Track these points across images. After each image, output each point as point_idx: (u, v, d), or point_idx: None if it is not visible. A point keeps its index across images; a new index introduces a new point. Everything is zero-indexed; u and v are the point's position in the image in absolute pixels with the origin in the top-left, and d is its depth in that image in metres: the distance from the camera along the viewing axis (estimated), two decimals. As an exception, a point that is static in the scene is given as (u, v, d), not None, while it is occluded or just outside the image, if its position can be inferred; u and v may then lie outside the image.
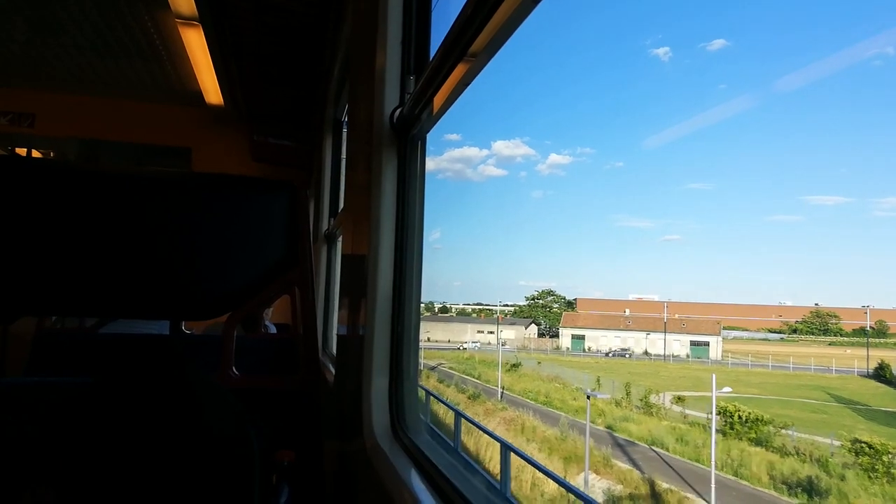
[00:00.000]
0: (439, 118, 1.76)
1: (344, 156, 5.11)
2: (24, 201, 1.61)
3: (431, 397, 20.26)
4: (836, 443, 24.32)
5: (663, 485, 21.11)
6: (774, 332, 71.56)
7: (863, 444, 21.86)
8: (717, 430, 23.52)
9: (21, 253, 1.59)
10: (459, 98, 1.60)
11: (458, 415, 15.00)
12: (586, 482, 20.26)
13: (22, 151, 6.53)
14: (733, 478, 22.30)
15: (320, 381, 2.08)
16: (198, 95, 5.57)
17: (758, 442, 25.50)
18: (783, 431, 26.21)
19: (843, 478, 21.08)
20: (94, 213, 1.66)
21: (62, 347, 2.74)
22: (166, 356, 1.42)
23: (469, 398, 34.03)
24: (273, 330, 3.95)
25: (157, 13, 4.23)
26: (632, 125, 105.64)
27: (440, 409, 21.00)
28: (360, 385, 1.92)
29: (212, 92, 5.42)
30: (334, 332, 4.64)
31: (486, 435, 17.81)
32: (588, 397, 24.40)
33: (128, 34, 4.58)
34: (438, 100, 1.64)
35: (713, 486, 20.23)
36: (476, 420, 23.32)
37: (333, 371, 3.06)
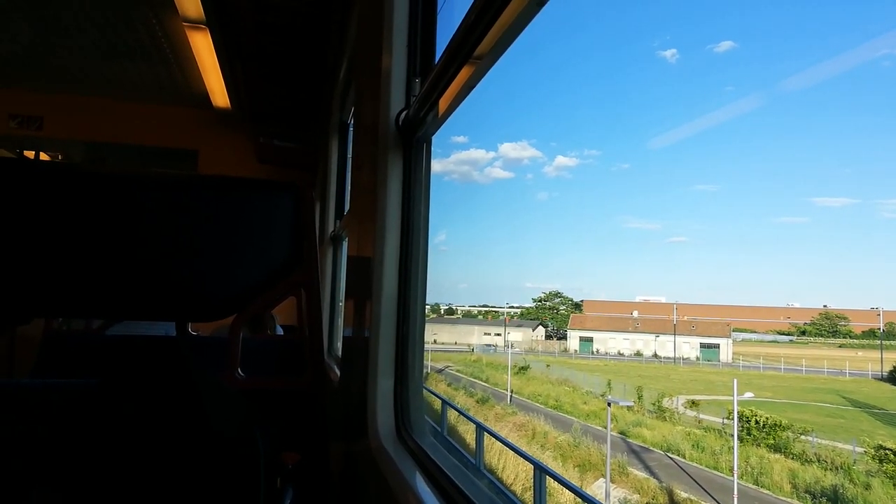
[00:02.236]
0: (445, 120, 1.76)
1: (349, 158, 5.12)
2: (32, 204, 1.62)
3: (449, 407, 19.65)
4: (859, 449, 23.91)
5: (682, 494, 20.76)
6: (784, 333, 71.15)
7: (887, 451, 21.47)
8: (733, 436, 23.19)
9: (29, 255, 1.60)
10: (466, 100, 1.60)
11: (481, 428, 14.20)
12: (607, 494, 20.02)
13: (30, 154, 6.58)
14: (754, 487, 21.88)
15: (326, 383, 2.08)
16: (204, 98, 5.61)
17: (776, 448, 25.09)
18: (802, 437, 25.80)
19: (868, 486, 20.64)
20: (101, 215, 1.67)
21: (69, 349, 2.76)
22: (173, 357, 1.42)
23: (478, 402, 33.92)
24: (280, 331, 3.97)
25: (164, 16, 4.26)
26: (638, 127, 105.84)
27: (452, 416, 20.73)
28: (365, 386, 1.92)
29: (218, 94, 5.45)
30: (340, 333, 4.65)
31: (500, 444, 17.33)
32: (609, 404, 23.98)
33: (135, 37, 4.61)
34: (444, 102, 1.64)
35: (735, 495, 19.99)
36: (493, 428, 22.89)
37: (339, 372, 3.06)
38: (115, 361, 1.40)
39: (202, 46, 4.40)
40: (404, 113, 1.91)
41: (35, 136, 6.09)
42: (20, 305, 1.64)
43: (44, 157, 6.82)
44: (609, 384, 37.80)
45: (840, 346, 63.07)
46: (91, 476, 1.29)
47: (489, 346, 63.81)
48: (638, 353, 59.61)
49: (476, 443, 14.14)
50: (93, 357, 2.71)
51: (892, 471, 20.88)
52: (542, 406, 34.02)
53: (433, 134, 1.91)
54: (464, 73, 1.41)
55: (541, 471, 10.17)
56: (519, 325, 71.40)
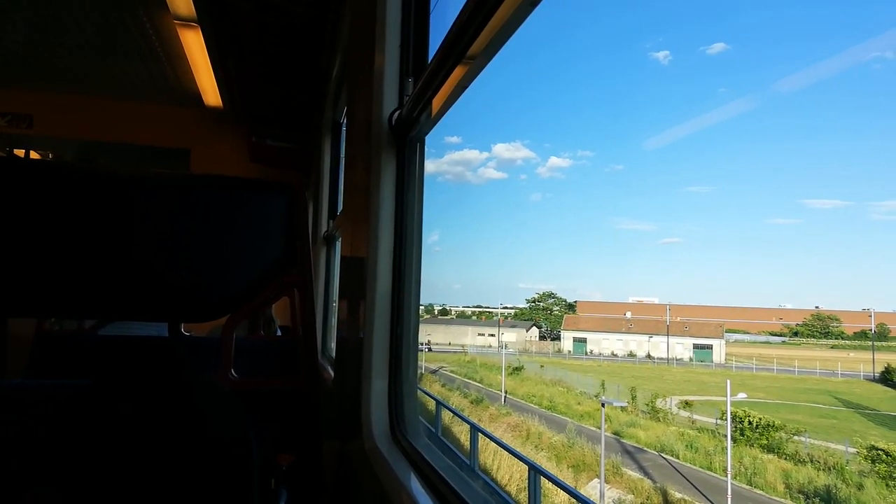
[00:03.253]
0: (438, 120, 1.76)
1: (343, 157, 5.12)
2: (21, 202, 1.61)
3: (443, 408, 19.51)
4: (851, 449, 24.06)
5: (676, 494, 20.81)
6: (776, 335, 71.47)
7: (879, 451, 21.59)
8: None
9: (18, 254, 1.59)
10: (460, 101, 1.60)
11: (475, 429, 14.09)
12: (602, 495, 20.02)
13: (20, 152, 6.53)
14: (747, 487, 21.97)
15: (320, 383, 2.07)
16: (196, 97, 5.58)
17: (769, 448, 25.20)
18: (795, 438, 25.88)
19: (860, 487, 20.78)
20: (91, 214, 1.65)
21: (61, 349, 2.74)
22: (166, 358, 1.41)
23: (472, 403, 33.91)
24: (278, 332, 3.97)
25: (155, 14, 4.24)
26: (632, 128, 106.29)
27: (446, 416, 20.65)
28: (359, 387, 1.91)
29: (210, 93, 5.42)
30: (333, 333, 4.64)
31: (495, 444, 17.18)
32: (602, 405, 23.92)
33: (126, 35, 4.59)
34: (437, 102, 1.64)
35: (729, 495, 20.04)
36: (487, 429, 22.78)
37: (332, 373, 3.05)
38: (108, 362, 1.40)
39: (194, 45, 4.38)
40: (397, 113, 1.91)
41: (25, 134, 6.05)
42: (8, 304, 1.62)
43: (34, 155, 6.77)
44: (603, 385, 37.90)
45: (832, 348, 63.44)
46: (84, 477, 1.28)
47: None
48: (631, 354, 59.80)
49: (470, 444, 14.08)
50: (85, 357, 2.69)
51: (885, 471, 21.01)
52: (536, 407, 34.06)
53: (426, 134, 1.91)
54: (457, 73, 1.41)
55: (535, 471, 10.14)
56: (513, 326, 71.45)
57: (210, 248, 1.77)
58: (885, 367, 43.91)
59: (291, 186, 1.90)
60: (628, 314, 67.74)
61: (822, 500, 20.46)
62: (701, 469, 23.85)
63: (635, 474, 22.77)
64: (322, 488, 2.03)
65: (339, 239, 4.45)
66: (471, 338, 67.35)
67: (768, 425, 25.91)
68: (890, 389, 40.78)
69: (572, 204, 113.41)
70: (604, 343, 62.09)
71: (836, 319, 69.08)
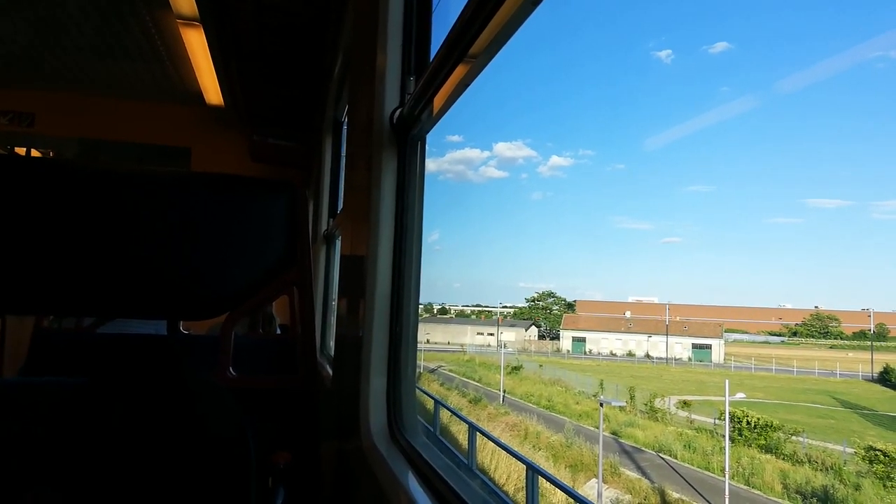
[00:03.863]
0: (439, 119, 1.75)
1: (344, 156, 5.11)
2: (22, 200, 1.60)
3: (441, 407, 19.46)
4: (849, 450, 24.09)
5: (674, 494, 20.83)
6: (775, 334, 71.44)
7: (877, 452, 21.62)
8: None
9: (18, 252, 1.59)
10: (461, 99, 1.60)
11: (473, 428, 14.11)
12: (599, 494, 20.02)
13: (21, 151, 6.53)
14: (745, 487, 22.00)
15: (318, 382, 2.07)
16: (198, 95, 5.58)
17: (767, 449, 25.22)
18: (793, 438, 25.89)
19: (858, 487, 20.82)
20: (91, 212, 1.65)
21: (60, 347, 2.74)
22: (163, 356, 1.41)
23: (470, 402, 33.91)
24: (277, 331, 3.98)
25: (157, 13, 4.24)
26: (633, 127, 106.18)
27: (444, 415, 20.64)
28: (357, 386, 1.91)
29: (212, 92, 5.42)
30: (333, 332, 4.64)
31: (493, 444, 17.26)
32: (601, 404, 23.92)
33: (128, 34, 4.59)
34: (438, 100, 1.64)
35: (727, 496, 20.05)
36: (485, 428, 22.76)
37: (331, 372, 3.05)
38: (106, 360, 1.40)
39: (196, 43, 4.38)
40: (399, 111, 1.91)
41: (26, 132, 6.05)
42: (9, 302, 1.62)
43: (35, 153, 6.77)
44: (601, 384, 37.87)
45: (831, 348, 63.43)
46: (82, 476, 1.28)
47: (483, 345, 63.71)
48: (630, 354, 59.81)
49: (468, 443, 14.12)
50: (84, 355, 2.69)
51: (882, 471, 21.04)
52: (534, 406, 34.06)
53: (428, 132, 1.90)
54: (459, 72, 1.41)
55: (533, 471, 10.15)
56: (512, 325, 71.42)
57: (210, 247, 1.77)
58: (884, 368, 43.91)
59: (292, 185, 1.89)
60: (628, 314, 67.75)
61: (820, 501, 20.48)
62: (699, 469, 23.87)
63: (633, 474, 22.79)
64: (320, 487, 2.03)
65: (340, 237, 4.45)
66: (470, 337, 67.33)
67: (766, 425, 25.92)
68: (888, 390, 40.79)
69: (573, 203, 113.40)
70: (603, 342, 62.10)
71: (836, 319, 69.08)
